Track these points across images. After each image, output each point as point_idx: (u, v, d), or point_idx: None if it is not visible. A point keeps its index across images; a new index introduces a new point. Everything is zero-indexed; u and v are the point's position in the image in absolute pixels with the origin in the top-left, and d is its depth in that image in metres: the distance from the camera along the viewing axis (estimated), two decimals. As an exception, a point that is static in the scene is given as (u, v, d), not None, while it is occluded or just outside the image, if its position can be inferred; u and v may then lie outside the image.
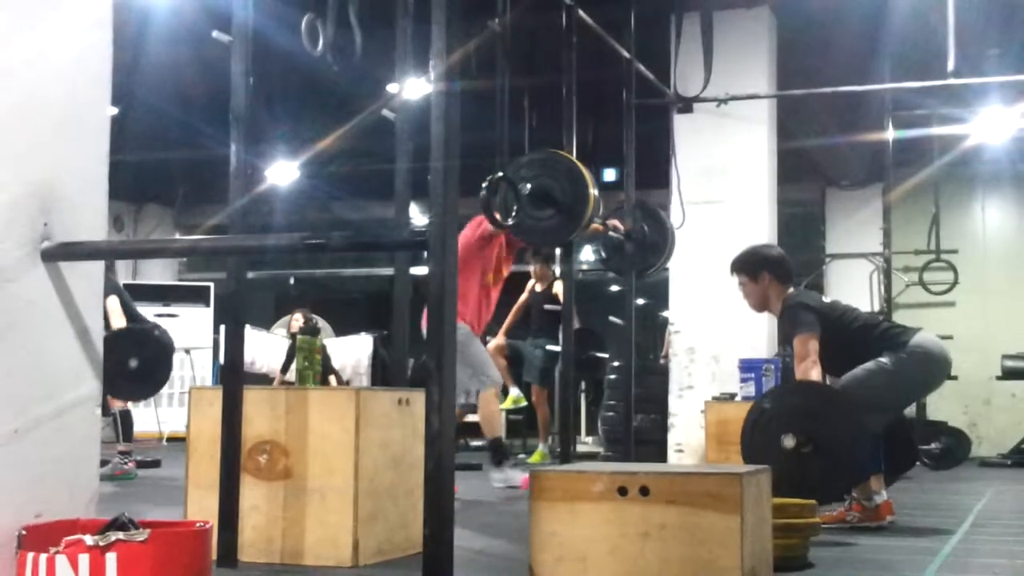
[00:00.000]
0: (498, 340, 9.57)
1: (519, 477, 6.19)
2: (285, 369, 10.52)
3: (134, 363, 6.40)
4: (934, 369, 4.88)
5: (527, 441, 9.94)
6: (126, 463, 6.93)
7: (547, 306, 9.31)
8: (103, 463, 6.52)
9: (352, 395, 3.58)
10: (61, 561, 2.14)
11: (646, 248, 6.86)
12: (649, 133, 7.74)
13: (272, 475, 3.63)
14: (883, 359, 4.73)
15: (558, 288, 9.38)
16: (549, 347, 9.13)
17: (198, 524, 2.36)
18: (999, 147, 10.14)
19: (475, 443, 10.95)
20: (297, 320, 10.44)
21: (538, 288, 9.57)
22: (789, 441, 4.36)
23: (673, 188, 7.72)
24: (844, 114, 9.77)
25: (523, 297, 9.58)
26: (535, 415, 9.80)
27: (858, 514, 4.71)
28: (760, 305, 5.09)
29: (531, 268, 9.56)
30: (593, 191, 5.49)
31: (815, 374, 4.69)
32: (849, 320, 4.90)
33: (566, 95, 5.88)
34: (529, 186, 5.31)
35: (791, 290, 5.03)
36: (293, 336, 10.31)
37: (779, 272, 5.02)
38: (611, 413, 8.80)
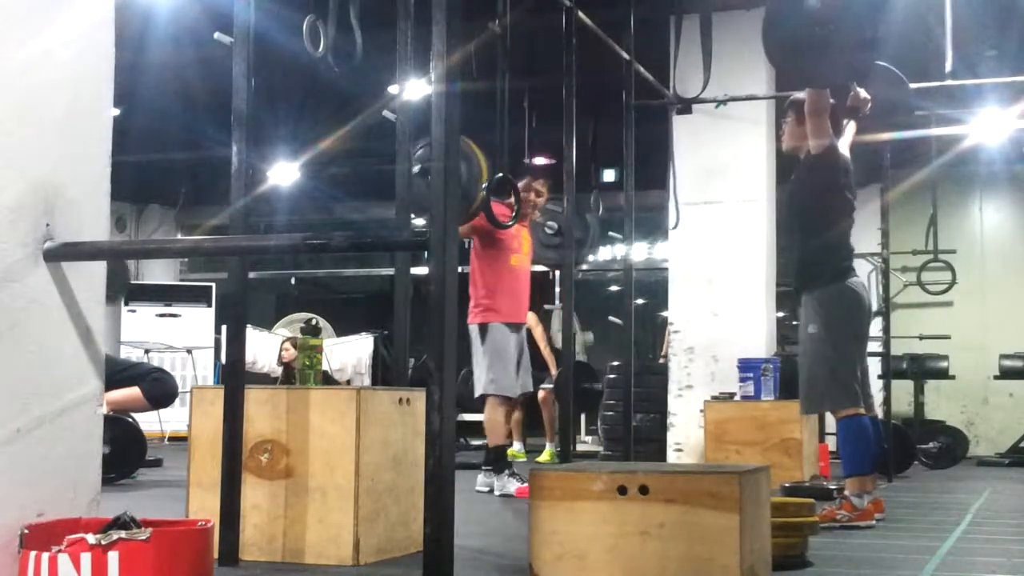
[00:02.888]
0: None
1: (514, 486, 6.14)
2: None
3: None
4: (856, 322, 4.93)
5: (527, 441, 9.96)
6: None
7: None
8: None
9: (353, 394, 3.59)
10: (63, 560, 2.15)
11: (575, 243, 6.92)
12: (648, 134, 7.75)
13: (273, 474, 3.64)
14: (811, 329, 4.83)
15: (530, 320, 9.50)
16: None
17: (200, 523, 2.37)
18: (997, 148, 10.15)
19: (475, 442, 10.98)
20: (288, 351, 10.28)
21: None
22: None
23: (670, 189, 7.74)
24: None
25: None
26: (537, 415, 9.85)
27: (848, 513, 4.72)
28: (794, 144, 5.09)
29: None
30: (486, 172, 5.44)
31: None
32: (839, 225, 4.95)
33: (566, 96, 5.89)
34: (418, 167, 5.26)
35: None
36: (285, 365, 10.14)
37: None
38: (610, 412, 8.83)
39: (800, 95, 5.05)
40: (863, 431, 4.79)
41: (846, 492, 4.78)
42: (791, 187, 5.22)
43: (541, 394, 9.55)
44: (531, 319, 9.58)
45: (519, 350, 6.26)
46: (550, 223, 6.71)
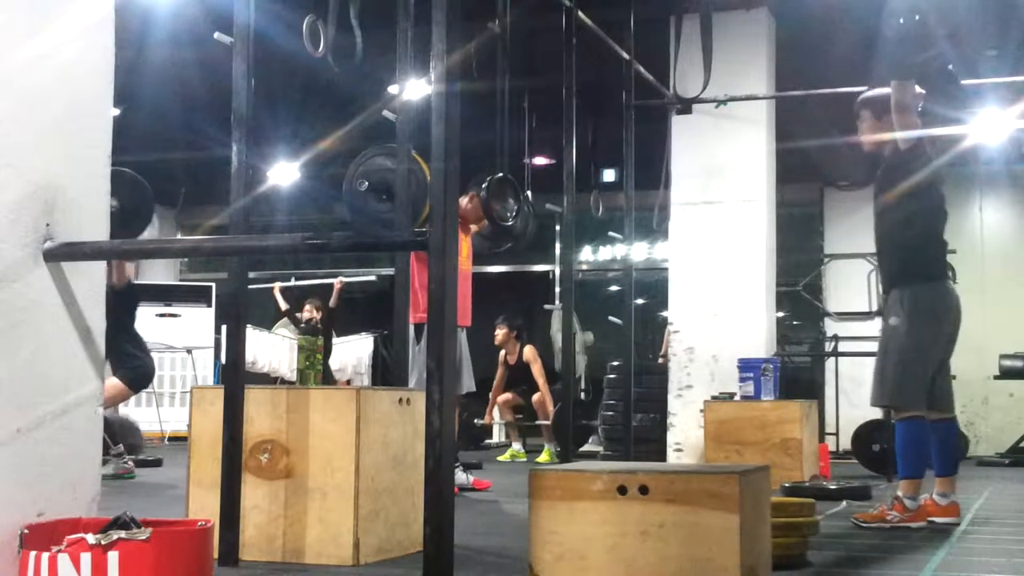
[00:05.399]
0: (488, 419, 9.79)
1: (470, 479, 6.24)
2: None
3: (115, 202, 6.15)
4: (942, 325, 4.83)
5: (527, 441, 9.97)
6: (126, 462, 6.95)
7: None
8: (103, 463, 6.53)
9: (353, 394, 3.59)
10: (63, 560, 2.15)
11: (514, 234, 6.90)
12: (648, 134, 7.76)
13: (273, 474, 3.64)
14: (892, 320, 4.74)
15: (528, 354, 9.53)
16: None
17: (199, 523, 2.37)
18: (997, 148, 10.15)
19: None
20: (309, 311, 10.63)
21: (510, 360, 9.67)
22: None
23: (662, 189, 7.75)
24: (842, 115, 9.77)
25: (499, 372, 9.71)
26: (535, 415, 9.86)
27: (899, 514, 4.64)
28: (877, 144, 4.97)
29: (496, 335, 9.61)
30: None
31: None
32: (934, 220, 4.86)
33: (566, 96, 5.90)
34: (367, 183, 5.24)
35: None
36: (306, 322, 10.57)
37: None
38: (611, 412, 8.83)
39: (873, 92, 4.99)
40: (918, 434, 4.71)
41: (899, 493, 4.69)
42: (879, 182, 5.05)
43: (535, 397, 9.55)
44: (529, 353, 9.61)
45: (457, 352, 6.23)
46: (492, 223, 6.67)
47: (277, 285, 11.52)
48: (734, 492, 2.59)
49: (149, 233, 7.53)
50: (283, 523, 3.61)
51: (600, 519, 2.67)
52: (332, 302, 11.10)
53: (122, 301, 6.79)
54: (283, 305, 11.47)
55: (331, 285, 11.32)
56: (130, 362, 6.84)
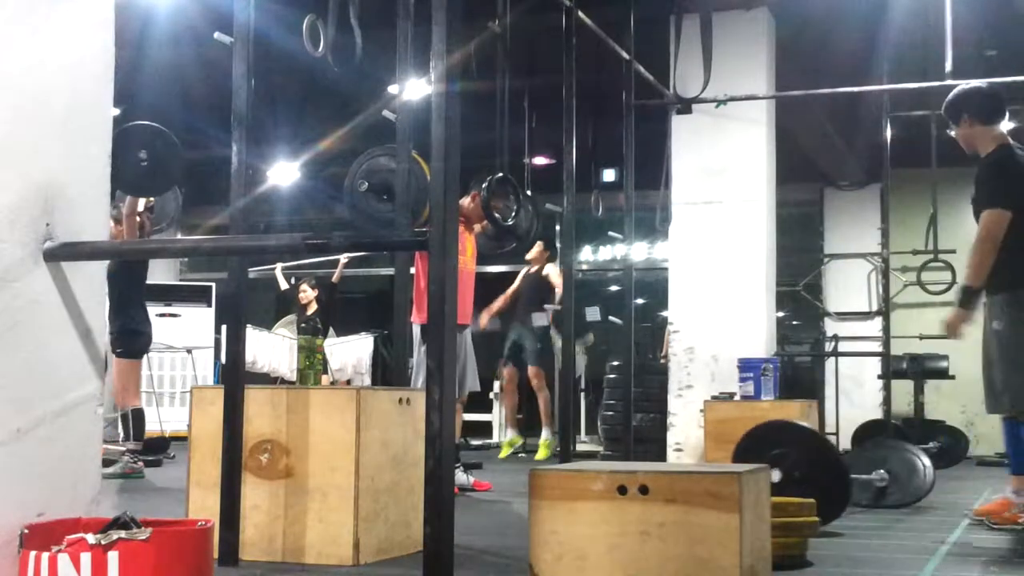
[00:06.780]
0: (483, 319, 9.54)
1: (470, 480, 6.23)
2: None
3: (144, 155, 6.06)
4: None
5: (527, 441, 9.92)
6: (136, 461, 6.90)
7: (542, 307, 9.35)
8: (112, 462, 6.52)
9: (353, 394, 3.59)
10: (63, 560, 2.15)
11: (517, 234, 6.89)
12: (648, 134, 7.76)
13: (273, 474, 3.64)
14: (995, 325, 4.75)
15: (548, 270, 9.40)
16: (538, 324, 9.22)
17: (200, 523, 2.37)
18: (997, 148, 10.14)
19: (475, 442, 10.99)
20: (304, 292, 10.69)
21: (531, 270, 9.60)
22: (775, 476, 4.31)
23: (662, 188, 7.75)
24: (842, 115, 9.79)
25: (516, 283, 9.62)
26: (531, 406, 9.75)
27: None
28: (969, 148, 4.88)
29: (531, 251, 9.53)
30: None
31: (988, 261, 4.58)
32: None
33: (566, 96, 5.89)
34: (367, 183, 5.24)
35: (1001, 135, 4.79)
36: (303, 307, 10.74)
37: (979, 111, 4.80)
38: (611, 412, 8.83)
39: (952, 96, 4.93)
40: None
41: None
42: (975, 186, 4.94)
43: (531, 371, 9.31)
44: (553, 270, 9.38)
45: (462, 351, 6.23)
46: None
47: (279, 265, 11.60)
48: (734, 492, 2.59)
49: (172, 204, 7.50)
50: (283, 523, 3.61)
51: (600, 519, 2.67)
52: (335, 277, 11.16)
53: (133, 269, 6.84)
54: (283, 284, 11.54)
55: (333, 273, 11.36)
56: (129, 334, 6.85)
